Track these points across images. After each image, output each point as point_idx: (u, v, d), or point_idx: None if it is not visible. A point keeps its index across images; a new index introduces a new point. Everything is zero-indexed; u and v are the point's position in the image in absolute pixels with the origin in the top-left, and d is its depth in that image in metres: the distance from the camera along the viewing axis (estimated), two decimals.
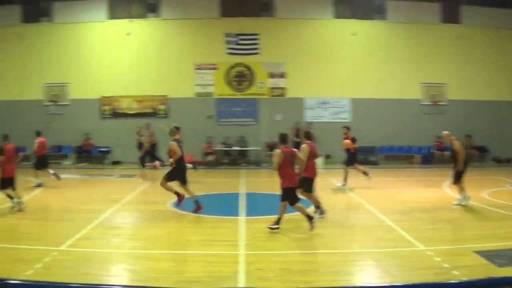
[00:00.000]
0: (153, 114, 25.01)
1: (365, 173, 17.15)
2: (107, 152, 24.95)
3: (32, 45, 25.09)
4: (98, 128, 24.84)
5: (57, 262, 8.67)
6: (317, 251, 9.74)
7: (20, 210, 12.74)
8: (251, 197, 15.26)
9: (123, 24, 25.10)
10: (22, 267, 8.18)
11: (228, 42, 25.09)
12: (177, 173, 12.72)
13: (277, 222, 10.57)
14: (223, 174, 17.91)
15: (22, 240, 10.10)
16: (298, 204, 10.59)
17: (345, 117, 25.12)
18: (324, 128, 22.86)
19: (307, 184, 11.60)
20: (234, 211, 12.82)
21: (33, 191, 16.19)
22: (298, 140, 17.32)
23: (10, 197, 12.88)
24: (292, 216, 11.25)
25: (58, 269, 8.24)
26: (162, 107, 25.17)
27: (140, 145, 19.90)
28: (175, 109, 24.92)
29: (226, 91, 25.30)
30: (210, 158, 23.82)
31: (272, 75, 25.29)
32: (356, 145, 17.04)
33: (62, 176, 19.72)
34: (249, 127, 24.81)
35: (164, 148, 14.75)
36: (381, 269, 8.31)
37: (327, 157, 23.43)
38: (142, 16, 25.40)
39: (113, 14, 25.33)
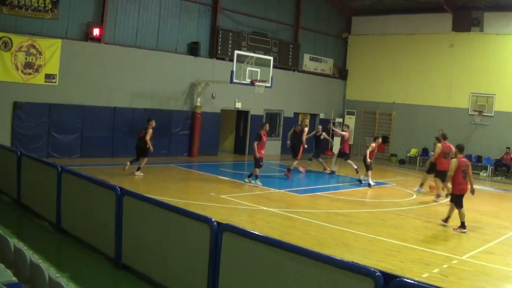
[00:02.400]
0: None
1: None
2: None
3: (461, 54, 25.52)
4: None
5: (455, 270, 8.86)
6: None
7: None
8: None
9: None
10: (420, 269, 8.68)
11: None
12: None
13: (446, 220, 12.22)
14: None
15: (426, 243, 10.58)
16: (461, 210, 11.82)
17: None
18: None
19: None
20: None
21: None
22: None
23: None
24: None
25: (454, 277, 8.43)
26: None
27: None
28: None
29: None
30: None
31: None
32: None
33: (475, 187, 19.56)
34: None
35: None
36: None
37: None
38: None
39: None
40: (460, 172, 11.89)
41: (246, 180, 16.51)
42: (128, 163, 16.27)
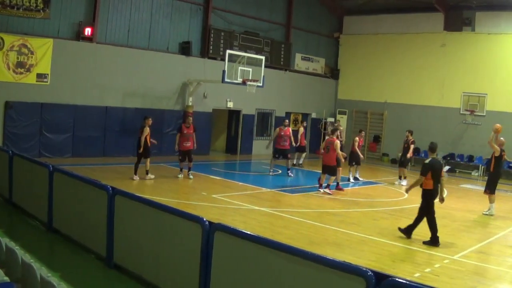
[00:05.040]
0: None
1: None
2: None
3: (452, 53, 25.61)
4: None
5: (447, 270, 8.87)
6: None
7: None
8: None
9: None
10: (412, 268, 8.71)
11: None
12: None
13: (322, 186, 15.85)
14: None
15: (418, 242, 10.54)
16: (322, 175, 15.85)
17: None
18: None
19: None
20: None
21: None
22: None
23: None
24: None
25: (445, 277, 8.43)
26: None
27: None
28: None
29: None
30: None
31: None
32: None
33: (467, 186, 19.83)
34: None
35: None
36: None
37: None
38: None
39: None
40: (325, 148, 15.76)
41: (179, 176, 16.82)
42: (135, 176, 15.55)
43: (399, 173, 19.13)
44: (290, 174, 18.79)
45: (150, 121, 15.69)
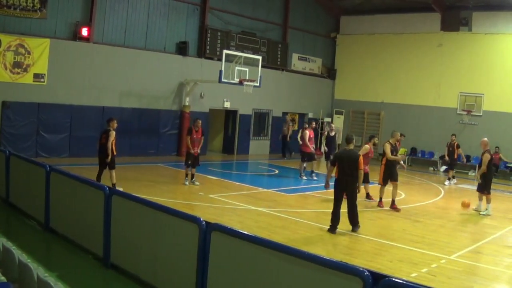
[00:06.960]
0: None
1: None
2: None
3: (449, 53, 25.67)
4: (510, 143, 23.72)
5: (444, 270, 8.88)
6: None
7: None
8: None
9: None
10: (409, 269, 8.70)
11: None
12: None
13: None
14: None
15: (415, 242, 10.57)
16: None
17: None
18: None
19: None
20: None
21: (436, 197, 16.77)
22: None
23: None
24: None
25: (442, 277, 8.44)
26: None
27: None
28: None
29: None
30: None
31: None
32: None
33: (464, 186, 19.88)
34: None
35: None
36: None
37: None
38: None
39: None
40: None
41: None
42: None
43: (449, 175, 20.63)
44: (314, 177, 18.33)
45: (115, 124, 13.28)
